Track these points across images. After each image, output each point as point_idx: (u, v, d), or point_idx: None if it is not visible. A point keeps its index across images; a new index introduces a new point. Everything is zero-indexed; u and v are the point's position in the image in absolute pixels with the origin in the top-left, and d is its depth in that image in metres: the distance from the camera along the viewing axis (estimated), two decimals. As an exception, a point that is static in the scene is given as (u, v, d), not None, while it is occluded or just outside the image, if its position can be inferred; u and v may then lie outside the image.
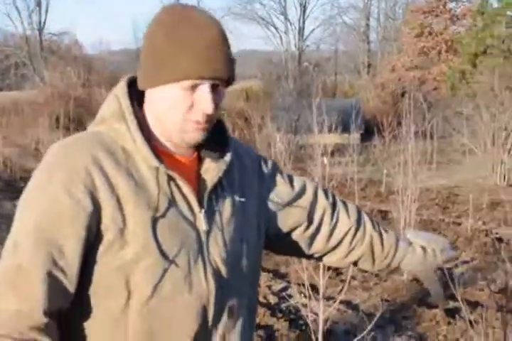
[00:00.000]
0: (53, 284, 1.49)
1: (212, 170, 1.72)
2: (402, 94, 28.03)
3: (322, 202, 2.02)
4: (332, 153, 11.47)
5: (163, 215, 1.60)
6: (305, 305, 5.79)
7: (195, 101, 1.60)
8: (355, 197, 9.56)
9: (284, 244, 1.99)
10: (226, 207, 1.73)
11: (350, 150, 13.86)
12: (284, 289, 7.10)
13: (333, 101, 24.81)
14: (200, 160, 1.74)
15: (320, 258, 2.08)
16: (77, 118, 24.14)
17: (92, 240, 1.54)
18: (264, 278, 7.45)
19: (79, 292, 1.55)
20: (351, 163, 13.15)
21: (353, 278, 7.25)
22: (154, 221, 1.58)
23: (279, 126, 19.03)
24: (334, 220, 2.02)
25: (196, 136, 1.64)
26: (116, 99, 1.69)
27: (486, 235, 9.67)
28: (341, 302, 6.25)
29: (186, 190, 1.64)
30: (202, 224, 1.66)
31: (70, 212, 1.53)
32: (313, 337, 4.92)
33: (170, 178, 1.63)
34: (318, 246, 2.01)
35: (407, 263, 2.08)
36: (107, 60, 48.27)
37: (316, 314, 5.56)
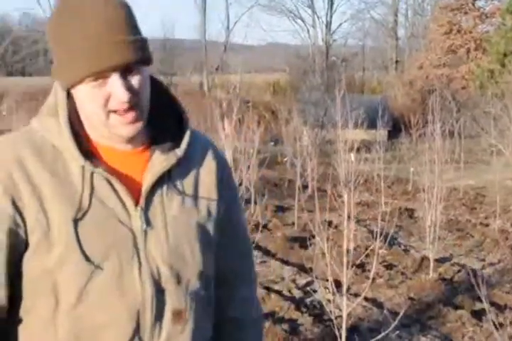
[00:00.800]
0: None
1: (158, 163, 1.60)
2: (430, 92, 27.87)
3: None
4: (358, 149, 11.42)
5: (87, 215, 1.50)
6: (329, 301, 5.78)
7: (109, 92, 1.49)
8: (381, 194, 9.51)
9: None
10: (173, 203, 1.61)
11: (376, 146, 13.78)
12: (309, 284, 7.08)
13: (361, 97, 24.68)
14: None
15: None
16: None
17: (19, 243, 1.49)
18: (289, 272, 7.45)
19: (13, 296, 1.52)
20: (378, 160, 13.08)
21: (378, 275, 7.22)
22: (76, 222, 1.49)
23: (305, 120, 19.00)
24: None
25: (127, 129, 1.54)
26: (54, 92, 1.61)
27: (514, 237, 9.58)
28: (366, 299, 6.24)
29: (118, 186, 1.54)
30: (137, 223, 1.55)
31: None
32: (336, 332, 4.90)
33: (99, 175, 1.54)
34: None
35: None
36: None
37: (341, 309, 5.55)
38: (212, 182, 1.71)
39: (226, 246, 1.77)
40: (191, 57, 48.02)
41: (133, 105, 1.51)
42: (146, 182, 1.57)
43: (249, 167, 9.69)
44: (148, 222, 1.56)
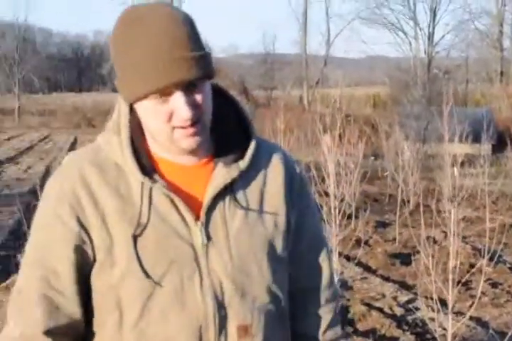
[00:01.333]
0: (50, 305, 1.53)
1: (220, 176, 1.58)
2: (537, 104, 26.99)
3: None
4: (462, 164, 11.18)
5: (145, 231, 1.52)
6: (432, 319, 5.68)
7: (173, 109, 1.50)
8: (486, 210, 9.27)
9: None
10: (236, 217, 1.59)
11: (481, 161, 13.47)
12: (411, 301, 6.98)
13: (464, 109, 24.17)
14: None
15: None
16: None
17: (87, 260, 1.54)
18: (390, 289, 7.37)
19: (87, 311, 1.57)
20: (482, 175, 12.78)
21: (484, 293, 7.05)
22: (135, 238, 1.52)
23: (407, 134, 18.74)
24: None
25: (189, 142, 1.53)
26: (118, 108, 1.64)
27: None
28: (470, 318, 6.09)
29: (178, 201, 1.54)
30: (198, 238, 1.55)
31: (58, 234, 1.54)
32: (440, 352, 4.83)
33: (158, 191, 1.54)
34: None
35: None
36: (235, 63, 49.01)
37: (445, 329, 5.45)
38: (280, 193, 1.67)
39: (301, 259, 1.73)
40: (292, 71, 48.23)
41: (196, 120, 1.51)
42: (207, 196, 1.57)
43: (350, 182, 9.65)
44: (209, 237, 1.55)
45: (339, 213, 7.40)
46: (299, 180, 1.74)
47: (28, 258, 1.59)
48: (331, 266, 1.82)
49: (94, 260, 1.54)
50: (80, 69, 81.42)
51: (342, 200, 8.71)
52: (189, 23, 1.51)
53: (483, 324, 6.33)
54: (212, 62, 1.55)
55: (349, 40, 77.15)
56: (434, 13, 42.29)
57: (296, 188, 1.71)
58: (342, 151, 10.45)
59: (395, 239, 9.67)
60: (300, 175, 1.76)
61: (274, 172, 1.68)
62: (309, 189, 1.83)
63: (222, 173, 1.58)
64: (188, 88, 1.49)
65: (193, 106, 1.50)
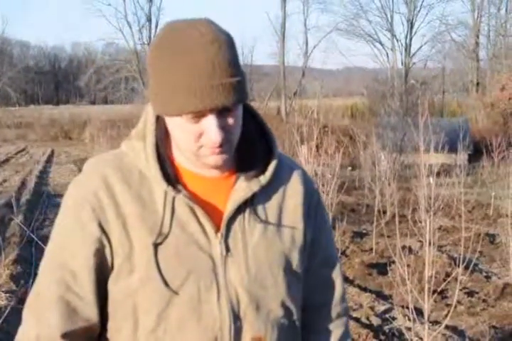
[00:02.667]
0: (68, 308, 1.54)
1: (241, 190, 1.60)
2: (513, 114, 27.24)
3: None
4: (438, 174, 11.24)
5: (167, 240, 1.53)
6: (409, 329, 5.69)
7: (203, 130, 1.50)
8: (461, 219, 9.32)
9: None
10: (255, 231, 1.61)
11: (457, 170, 13.56)
12: (387, 311, 6.99)
13: (441, 120, 24.34)
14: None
15: None
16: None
17: (106, 264, 1.55)
18: (367, 299, 7.37)
19: (103, 315, 1.58)
20: (458, 184, 12.85)
21: (459, 302, 7.07)
22: (156, 246, 1.52)
23: (384, 145, 18.85)
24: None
25: (214, 159, 1.55)
26: (144, 117, 1.65)
27: None
28: (446, 327, 6.11)
29: (199, 212, 1.56)
30: (217, 250, 1.56)
31: (77, 237, 1.55)
32: (416, 361, 4.84)
33: (181, 201, 1.56)
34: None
35: None
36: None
37: (421, 338, 5.47)
38: (298, 209, 1.69)
39: (315, 275, 1.76)
40: (270, 83, 48.39)
41: (224, 142, 1.52)
42: (228, 209, 1.58)
43: (328, 193, 9.68)
44: (228, 249, 1.57)
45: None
46: (317, 197, 1.78)
47: (48, 260, 1.59)
48: (342, 282, 1.86)
49: (113, 265, 1.55)
50: (57, 81, 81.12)
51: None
52: (230, 46, 1.51)
53: (459, 333, 6.34)
54: (247, 85, 1.56)
55: (327, 51, 77.46)
56: (411, 24, 42.66)
57: (313, 205, 1.75)
58: (319, 162, 10.50)
59: (371, 249, 9.69)
60: (317, 192, 1.81)
61: (294, 189, 1.71)
62: (324, 206, 1.86)
63: (243, 187, 1.61)
64: (222, 112, 1.50)
65: (224, 129, 1.51)
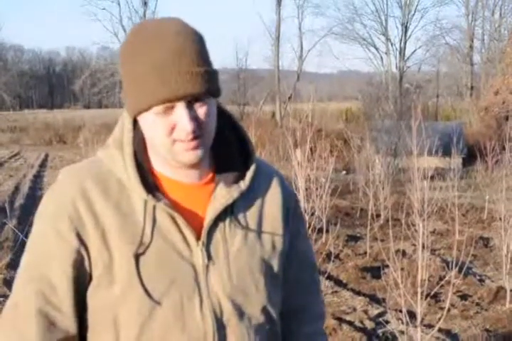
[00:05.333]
0: (47, 319, 1.51)
1: (221, 197, 1.59)
2: (507, 118, 27.30)
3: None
4: (432, 177, 11.25)
5: (148, 250, 1.51)
6: (402, 332, 5.70)
7: (175, 122, 1.49)
8: (455, 223, 9.34)
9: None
10: (236, 238, 1.60)
11: (451, 174, 13.57)
12: (381, 314, 6.99)
13: (435, 124, 24.39)
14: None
15: None
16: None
17: (84, 275, 1.52)
18: (360, 303, 7.37)
19: (82, 327, 1.56)
20: (452, 188, 12.86)
21: (453, 306, 7.08)
22: (137, 257, 1.50)
23: (378, 149, 18.88)
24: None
25: (189, 155, 1.53)
26: (121, 124, 1.63)
27: None
28: (440, 330, 6.12)
29: (180, 221, 1.53)
30: (198, 258, 1.55)
31: (55, 248, 1.52)
32: (410, 365, 4.84)
33: (161, 209, 1.54)
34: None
35: None
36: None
37: (414, 341, 5.46)
38: (278, 215, 1.69)
39: (293, 280, 1.76)
40: (264, 87, 48.40)
41: (197, 135, 1.51)
42: (208, 217, 1.57)
43: (321, 196, 9.68)
44: (209, 257, 1.56)
45: (309, 227, 7.42)
46: (294, 202, 1.78)
47: (25, 271, 1.56)
48: (320, 286, 1.89)
49: (91, 276, 1.53)
50: (51, 85, 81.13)
51: (312, 214, 8.75)
52: (198, 39, 1.52)
53: (452, 336, 6.35)
54: (219, 80, 1.55)
55: (321, 55, 77.61)
56: (405, 28, 42.73)
57: (291, 211, 1.74)
58: (313, 166, 10.50)
59: (365, 253, 9.69)
60: (295, 197, 1.80)
61: (273, 194, 1.70)
62: (302, 211, 1.86)
63: (223, 193, 1.59)
64: (192, 102, 1.49)
65: (195, 120, 1.50)
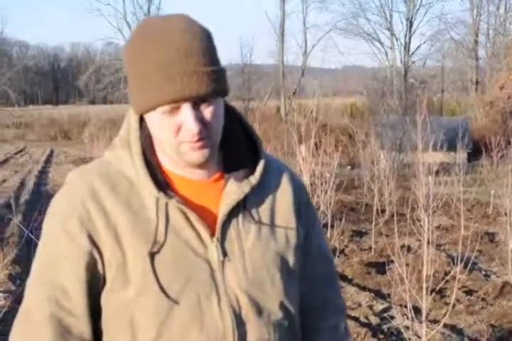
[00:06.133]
0: (60, 325, 1.48)
1: (232, 192, 1.57)
2: (512, 113, 27.26)
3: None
4: (437, 172, 11.23)
5: (163, 248, 1.49)
6: (407, 328, 5.69)
7: (180, 122, 1.48)
8: (461, 218, 9.32)
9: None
10: (250, 233, 1.58)
11: (456, 169, 13.54)
12: (386, 310, 6.98)
13: (440, 118, 24.34)
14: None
15: None
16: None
17: (98, 277, 1.50)
18: (365, 298, 7.36)
19: (97, 331, 1.53)
20: (457, 183, 12.84)
21: (458, 301, 7.07)
22: (152, 255, 1.47)
23: (383, 144, 18.84)
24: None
25: (195, 155, 1.51)
26: (127, 123, 1.62)
27: None
28: (445, 325, 6.11)
29: (193, 217, 1.51)
30: (214, 255, 1.52)
31: (67, 251, 1.49)
32: (415, 360, 4.83)
33: (174, 206, 1.51)
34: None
35: None
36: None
37: (419, 337, 5.46)
38: (290, 209, 1.67)
39: (310, 274, 1.74)
40: (269, 82, 48.40)
41: (203, 136, 1.49)
42: (221, 213, 1.55)
43: (326, 191, 9.67)
44: (224, 253, 1.53)
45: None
46: (305, 196, 1.76)
47: (36, 276, 1.53)
48: (337, 279, 1.87)
49: (105, 278, 1.50)
50: (56, 81, 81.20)
51: (317, 210, 8.74)
52: (206, 37, 1.49)
53: (457, 331, 6.33)
54: (227, 79, 1.53)
55: (326, 50, 77.46)
56: (410, 23, 42.62)
57: (303, 204, 1.72)
58: (318, 161, 10.49)
59: (370, 248, 9.68)
60: (305, 191, 1.79)
61: (284, 189, 1.68)
62: (313, 205, 1.84)
63: (234, 189, 1.57)
64: (198, 103, 1.47)
65: (202, 121, 1.48)
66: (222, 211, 1.55)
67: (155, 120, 1.49)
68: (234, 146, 1.63)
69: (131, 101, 1.55)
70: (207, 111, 1.48)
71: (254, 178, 1.60)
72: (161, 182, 1.54)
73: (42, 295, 1.50)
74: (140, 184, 1.53)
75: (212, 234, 1.53)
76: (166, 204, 1.51)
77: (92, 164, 1.63)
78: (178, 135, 1.49)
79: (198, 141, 1.49)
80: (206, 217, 1.55)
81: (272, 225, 1.62)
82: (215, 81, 1.47)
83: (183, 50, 1.44)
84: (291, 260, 1.64)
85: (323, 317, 1.78)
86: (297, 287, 1.67)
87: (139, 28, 1.52)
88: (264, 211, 1.63)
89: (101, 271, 1.50)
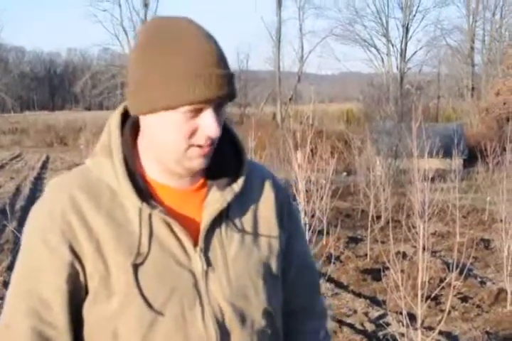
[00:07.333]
0: (41, 338, 1.45)
1: (215, 201, 1.54)
2: (507, 119, 27.29)
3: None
4: (433, 179, 11.23)
5: (147, 260, 1.46)
6: (403, 334, 5.68)
7: (199, 125, 1.45)
8: (456, 224, 9.34)
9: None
10: (233, 242, 1.56)
11: (452, 176, 13.55)
12: (381, 317, 6.98)
13: (436, 125, 24.38)
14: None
15: None
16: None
17: (79, 289, 1.47)
18: (361, 305, 7.36)
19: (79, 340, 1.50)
20: (453, 190, 12.84)
21: (453, 308, 7.07)
22: (136, 267, 1.45)
23: (379, 150, 18.87)
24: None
25: (199, 162, 1.49)
26: (107, 130, 1.57)
27: None
28: (440, 333, 6.11)
29: (177, 228, 1.48)
30: (197, 264, 1.50)
31: (47, 263, 1.46)
32: (410, 367, 4.82)
33: (157, 217, 1.48)
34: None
35: None
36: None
37: (415, 344, 5.45)
38: (272, 216, 1.65)
39: (292, 280, 1.73)
40: (265, 88, 48.45)
41: (213, 141, 1.48)
42: (204, 222, 1.52)
43: (322, 198, 9.66)
44: (208, 263, 1.51)
45: (310, 229, 7.40)
46: (288, 203, 1.75)
47: (16, 288, 1.50)
48: (319, 284, 1.87)
49: (87, 289, 1.47)
50: (52, 87, 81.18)
51: (313, 216, 8.72)
52: (216, 41, 1.49)
53: (453, 338, 6.34)
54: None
55: (322, 56, 77.53)
56: (406, 29, 42.74)
57: (286, 211, 1.71)
58: (313, 167, 10.49)
59: (366, 255, 9.68)
60: (289, 198, 1.77)
61: (267, 196, 1.67)
62: (297, 211, 1.83)
63: (217, 198, 1.55)
64: (217, 107, 1.46)
65: (219, 125, 1.47)
66: (204, 220, 1.53)
67: (170, 119, 1.45)
68: (218, 153, 1.58)
69: (135, 100, 1.49)
70: (221, 116, 1.48)
71: (237, 186, 1.58)
72: (144, 191, 1.50)
73: (22, 308, 1.46)
74: (122, 193, 1.49)
75: (196, 244, 1.51)
76: (150, 215, 1.48)
77: (70, 173, 1.59)
78: (191, 137, 1.46)
79: (209, 145, 1.47)
80: (189, 226, 1.52)
81: (255, 233, 1.61)
82: (232, 84, 1.47)
83: (214, 51, 1.44)
84: (274, 267, 1.63)
85: (304, 322, 1.78)
86: (280, 293, 1.66)
87: (152, 26, 1.50)
88: (247, 219, 1.61)
89: (83, 282, 1.47)
